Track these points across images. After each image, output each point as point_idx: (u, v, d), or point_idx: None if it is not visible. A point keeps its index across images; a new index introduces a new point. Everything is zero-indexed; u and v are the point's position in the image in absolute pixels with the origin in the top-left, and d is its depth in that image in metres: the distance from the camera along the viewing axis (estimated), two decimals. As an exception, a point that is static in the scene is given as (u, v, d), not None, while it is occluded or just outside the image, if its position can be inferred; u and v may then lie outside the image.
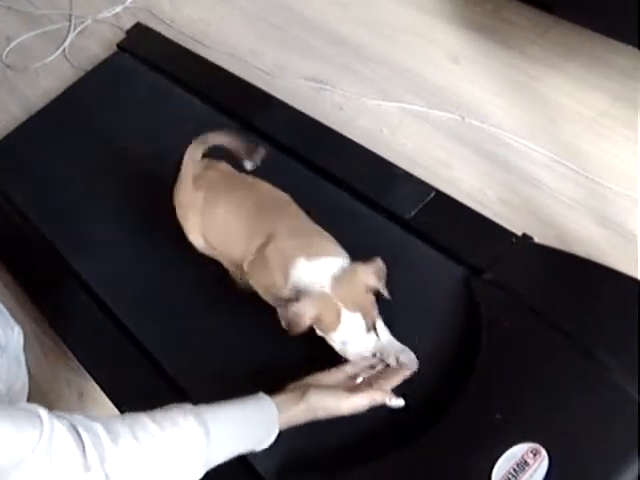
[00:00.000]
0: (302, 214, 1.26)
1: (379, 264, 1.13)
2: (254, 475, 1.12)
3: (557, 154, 1.52)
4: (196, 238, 1.32)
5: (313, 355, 1.17)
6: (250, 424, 1.01)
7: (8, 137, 1.91)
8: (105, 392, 1.33)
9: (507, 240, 1.28)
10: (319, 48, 1.95)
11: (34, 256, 1.61)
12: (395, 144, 1.64)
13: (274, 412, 1.02)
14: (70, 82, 2.03)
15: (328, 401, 1.06)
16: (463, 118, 1.65)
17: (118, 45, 2.07)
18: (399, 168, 1.47)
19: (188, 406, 0.95)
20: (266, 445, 1.03)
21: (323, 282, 1.08)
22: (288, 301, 1.09)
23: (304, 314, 1.07)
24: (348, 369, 1.13)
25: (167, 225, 1.52)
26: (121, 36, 2.13)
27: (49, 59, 2.25)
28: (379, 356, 1.14)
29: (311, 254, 1.13)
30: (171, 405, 0.95)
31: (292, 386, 1.09)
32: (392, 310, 1.25)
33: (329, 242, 1.19)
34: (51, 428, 0.81)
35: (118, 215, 1.61)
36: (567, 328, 1.08)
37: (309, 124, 1.62)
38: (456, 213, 1.37)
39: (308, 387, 1.07)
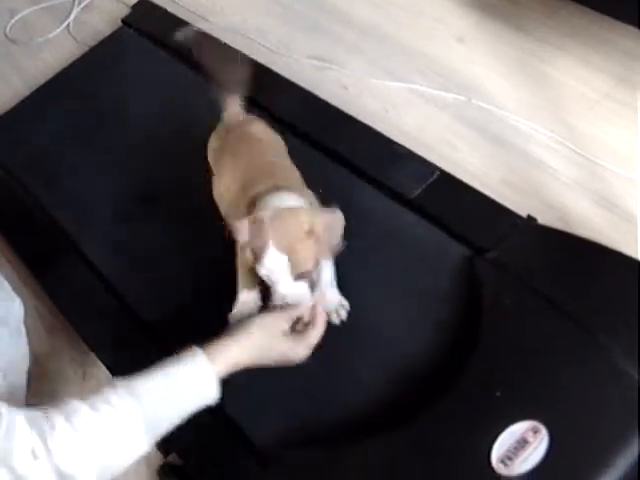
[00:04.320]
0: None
1: (337, 215, 1.06)
2: (253, 452, 1.13)
3: (561, 136, 1.52)
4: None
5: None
6: (182, 382, 1.00)
7: (11, 111, 1.90)
8: (110, 371, 1.32)
9: (511, 221, 1.29)
10: (324, 26, 1.94)
11: (38, 233, 1.61)
12: (400, 124, 1.64)
13: (205, 365, 1.01)
14: (74, 57, 2.02)
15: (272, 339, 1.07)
16: (469, 99, 1.64)
17: (122, 20, 2.06)
18: (403, 148, 1.47)
19: (119, 381, 0.97)
20: (214, 397, 1.01)
21: (267, 210, 1.05)
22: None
23: (239, 233, 1.05)
24: (291, 313, 1.11)
25: (170, 197, 1.53)
26: (126, 11, 2.12)
27: (53, 34, 2.23)
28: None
29: (274, 187, 1.11)
30: (106, 386, 0.96)
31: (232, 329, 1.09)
32: (395, 289, 1.27)
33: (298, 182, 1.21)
34: (11, 419, 0.86)
35: (121, 188, 1.60)
36: (568, 308, 1.08)
37: (314, 102, 1.61)
38: (460, 194, 1.37)
39: (250, 324, 1.08)
